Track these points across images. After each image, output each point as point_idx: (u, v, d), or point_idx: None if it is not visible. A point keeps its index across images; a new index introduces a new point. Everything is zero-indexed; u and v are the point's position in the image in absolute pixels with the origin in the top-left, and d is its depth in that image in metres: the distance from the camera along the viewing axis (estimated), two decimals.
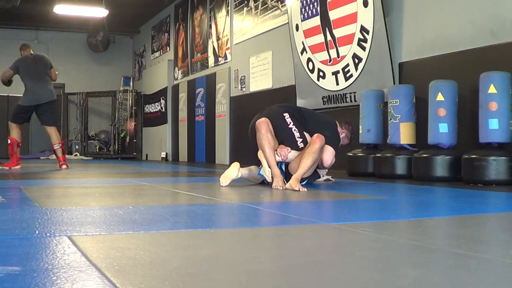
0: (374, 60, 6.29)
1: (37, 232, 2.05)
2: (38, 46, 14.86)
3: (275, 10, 8.64)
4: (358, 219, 2.57)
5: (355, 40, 6.53)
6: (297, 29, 7.66)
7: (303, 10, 7.53)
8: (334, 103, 7.01)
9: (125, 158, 14.30)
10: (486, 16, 5.10)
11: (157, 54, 14.28)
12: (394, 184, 4.86)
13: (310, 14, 7.38)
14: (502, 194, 3.80)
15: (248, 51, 9.52)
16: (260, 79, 9.09)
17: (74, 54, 15.39)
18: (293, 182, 4.01)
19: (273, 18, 8.69)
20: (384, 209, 3.11)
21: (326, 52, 7.09)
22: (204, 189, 4.44)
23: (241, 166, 4.41)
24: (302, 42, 7.54)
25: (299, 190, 3.90)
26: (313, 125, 4.45)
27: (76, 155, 14.33)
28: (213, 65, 11.01)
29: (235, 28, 10.04)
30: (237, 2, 9.92)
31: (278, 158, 4.26)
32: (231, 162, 9.85)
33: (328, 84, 7.09)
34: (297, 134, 4.32)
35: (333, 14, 6.93)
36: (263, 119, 4.32)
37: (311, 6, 7.36)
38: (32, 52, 8.03)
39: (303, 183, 4.20)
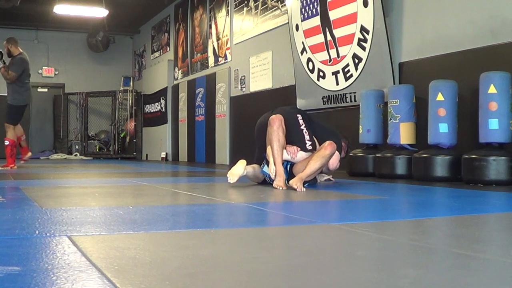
0: (374, 60, 6.29)
1: (37, 232, 2.05)
2: (38, 46, 14.89)
3: (275, 10, 8.64)
4: (358, 219, 2.56)
5: (355, 40, 6.53)
6: (297, 29, 7.66)
7: (303, 10, 7.53)
8: (334, 103, 7.01)
9: (125, 158, 14.30)
10: (486, 16, 5.10)
11: (157, 54, 14.28)
12: (394, 184, 4.86)
13: (310, 14, 7.38)
14: (502, 194, 3.80)
15: (248, 51, 9.52)
16: (260, 79, 9.09)
17: (74, 54, 15.38)
18: (297, 181, 4.02)
19: (273, 18, 8.69)
20: (384, 209, 3.11)
21: (326, 52, 7.09)
22: (204, 189, 4.44)
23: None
24: (302, 42, 7.54)
25: (300, 190, 3.91)
26: (322, 132, 4.55)
27: (76, 155, 14.33)
28: (213, 65, 11.01)
29: (235, 28, 10.04)
30: (237, 2, 9.92)
31: (287, 156, 4.25)
32: (231, 162, 9.88)
33: (328, 84, 7.09)
34: (307, 137, 4.38)
35: (333, 14, 6.93)
36: (277, 115, 4.34)
37: (311, 6, 7.36)
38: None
39: (305, 185, 4.20)
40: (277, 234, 2.18)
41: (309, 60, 7.43)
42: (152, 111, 14.21)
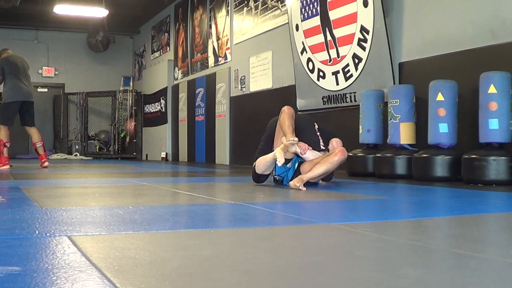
0: (374, 60, 6.29)
1: (37, 232, 2.05)
2: (38, 46, 14.90)
3: (275, 10, 8.64)
4: (358, 219, 2.56)
5: (355, 40, 6.53)
6: (297, 29, 7.66)
7: (303, 10, 7.53)
8: (334, 103, 7.01)
9: (125, 158, 14.30)
10: (486, 16, 5.10)
11: (157, 54, 14.28)
12: (394, 184, 4.86)
13: (310, 14, 7.38)
14: (502, 194, 3.80)
15: (248, 51, 9.52)
16: (260, 79, 9.09)
17: (74, 54, 15.39)
18: (299, 181, 4.06)
19: (273, 18, 8.69)
20: (384, 209, 3.11)
21: (326, 52, 7.09)
22: (204, 189, 4.44)
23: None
24: (302, 42, 7.54)
25: (301, 190, 3.95)
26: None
27: (76, 155, 14.33)
28: (213, 65, 11.01)
29: (235, 28, 10.04)
30: (237, 2, 9.92)
31: (298, 150, 4.24)
32: (231, 162, 9.89)
33: (328, 84, 7.09)
34: (321, 141, 4.46)
35: (333, 14, 6.93)
36: (290, 107, 4.46)
37: (311, 6, 7.36)
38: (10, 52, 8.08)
39: (305, 185, 4.22)
40: (277, 234, 2.18)
41: (309, 60, 7.43)
42: (152, 111, 14.21)
